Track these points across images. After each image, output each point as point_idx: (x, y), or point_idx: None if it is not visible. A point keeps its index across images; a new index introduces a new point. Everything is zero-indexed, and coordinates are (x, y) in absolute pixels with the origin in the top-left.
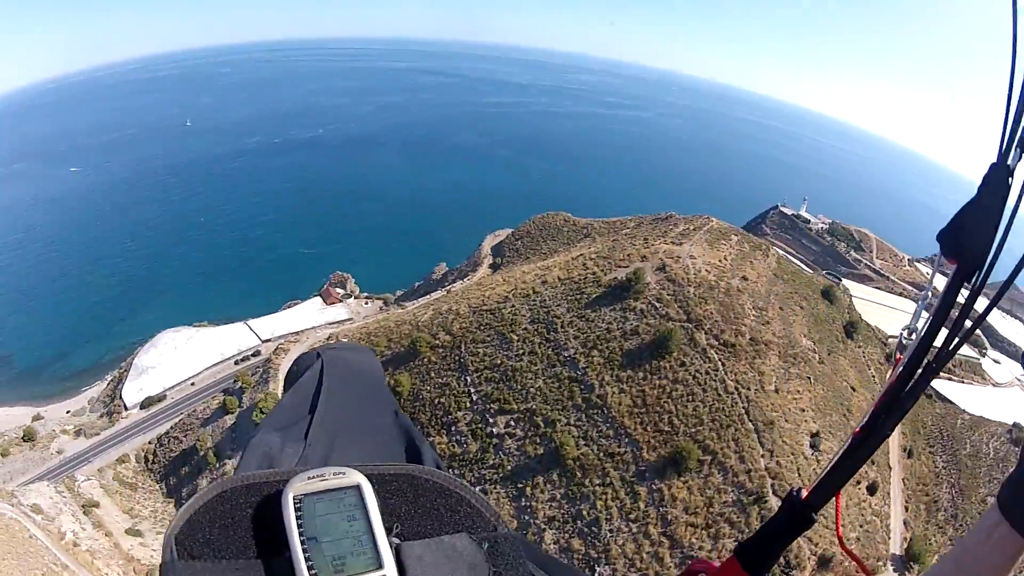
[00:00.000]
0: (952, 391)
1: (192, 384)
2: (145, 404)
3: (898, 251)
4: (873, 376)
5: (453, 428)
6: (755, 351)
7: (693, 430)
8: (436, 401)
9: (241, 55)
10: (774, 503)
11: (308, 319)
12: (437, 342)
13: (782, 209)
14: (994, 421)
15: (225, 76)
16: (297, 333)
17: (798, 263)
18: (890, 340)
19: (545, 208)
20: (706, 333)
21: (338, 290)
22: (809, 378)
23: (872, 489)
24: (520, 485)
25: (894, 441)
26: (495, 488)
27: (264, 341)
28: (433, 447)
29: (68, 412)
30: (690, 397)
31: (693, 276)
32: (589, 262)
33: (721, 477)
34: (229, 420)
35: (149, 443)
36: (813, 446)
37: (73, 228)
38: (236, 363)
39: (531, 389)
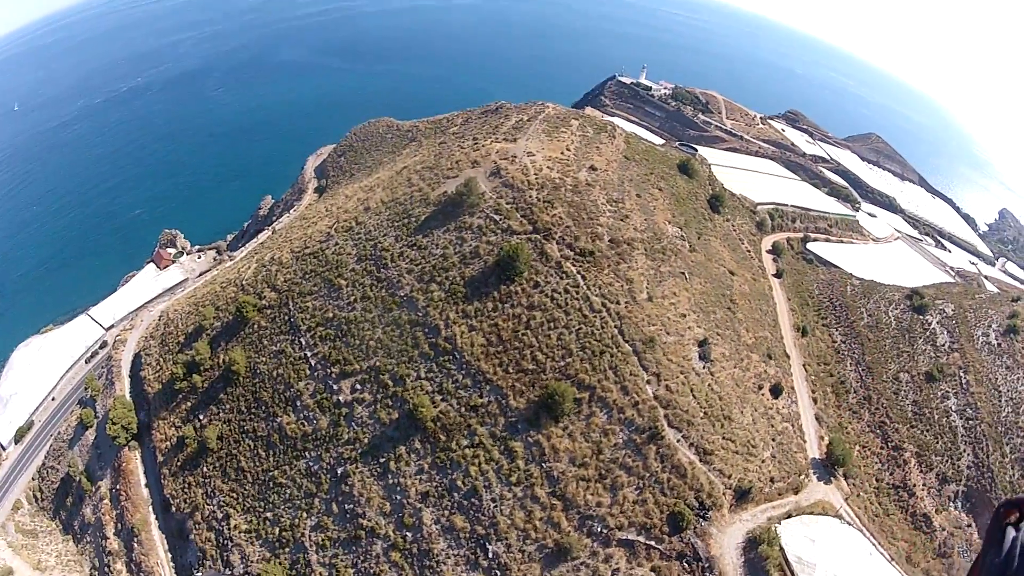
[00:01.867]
0: (833, 253)
1: (53, 399)
2: (18, 437)
3: (749, 110)
4: (748, 251)
5: (298, 403)
6: (618, 254)
7: (562, 363)
8: (275, 374)
9: (76, 16)
10: (672, 437)
11: (145, 291)
12: (264, 302)
13: (620, 79)
14: (887, 285)
15: (55, 44)
16: (137, 310)
17: (648, 139)
18: (758, 207)
19: (368, 116)
20: (558, 243)
21: (169, 250)
22: (684, 273)
23: (776, 391)
24: (382, 460)
25: (784, 320)
26: (357, 469)
27: (107, 328)
28: None
29: None
30: (551, 324)
31: (534, 176)
32: (414, 176)
33: (605, 416)
34: (91, 436)
35: (33, 480)
36: (703, 357)
37: None
38: (87, 361)
39: (370, 342)
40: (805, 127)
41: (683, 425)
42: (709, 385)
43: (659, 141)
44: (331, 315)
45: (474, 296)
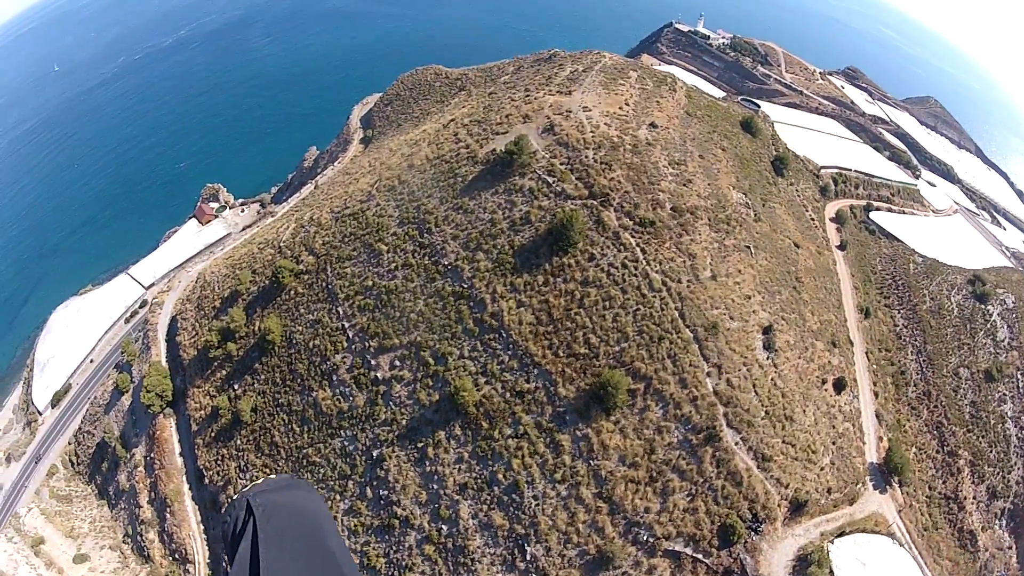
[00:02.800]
0: (896, 225)
1: (91, 361)
2: (55, 401)
3: (808, 64)
4: (812, 219)
5: (334, 377)
6: (680, 225)
7: (617, 349)
8: (311, 345)
9: None
10: (730, 440)
11: (187, 248)
12: (301, 267)
13: (677, 26)
14: (950, 266)
15: (85, 8)
16: (178, 268)
17: (707, 91)
18: (822, 171)
19: (418, 63)
20: (616, 210)
21: (211, 204)
22: (749, 247)
23: (839, 385)
24: (420, 444)
25: (847, 299)
26: (393, 452)
27: (148, 287)
28: None
29: None
30: (607, 303)
31: (590, 134)
32: (461, 130)
33: (660, 411)
34: (126, 401)
35: (69, 444)
36: (768, 346)
37: None
38: (126, 321)
39: (411, 315)
40: (864, 85)
41: (743, 426)
42: (772, 380)
43: (718, 93)
44: (370, 283)
45: (523, 268)
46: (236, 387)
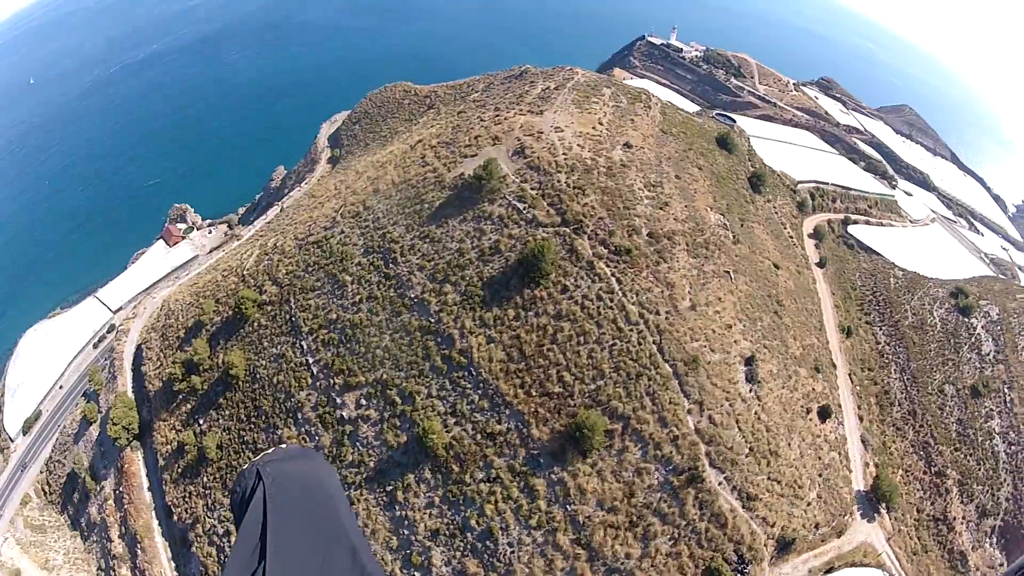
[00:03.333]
0: (874, 238)
1: (61, 387)
2: (26, 428)
3: (781, 76)
4: (791, 237)
5: (299, 415)
6: (657, 252)
7: (593, 387)
8: (275, 380)
9: None
10: (713, 480)
11: (154, 271)
12: (264, 297)
13: (650, 39)
14: (931, 279)
15: (71, 16)
16: (146, 291)
17: (681, 106)
18: (799, 186)
19: (389, 78)
20: (590, 238)
21: (179, 226)
22: (729, 272)
23: (824, 413)
24: (389, 488)
25: (828, 319)
26: (361, 495)
27: (115, 312)
28: None
29: None
30: (582, 338)
31: (563, 156)
32: (428, 152)
33: (640, 452)
34: (95, 432)
35: (41, 473)
36: (750, 378)
37: None
38: (94, 346)
39: (377, 351)
40: (838, 95)
41: (726, 465)
42: (756, 413)
43: (692, 107)
44: (335, 316)
45: (493, 301)
46: (201, 422)
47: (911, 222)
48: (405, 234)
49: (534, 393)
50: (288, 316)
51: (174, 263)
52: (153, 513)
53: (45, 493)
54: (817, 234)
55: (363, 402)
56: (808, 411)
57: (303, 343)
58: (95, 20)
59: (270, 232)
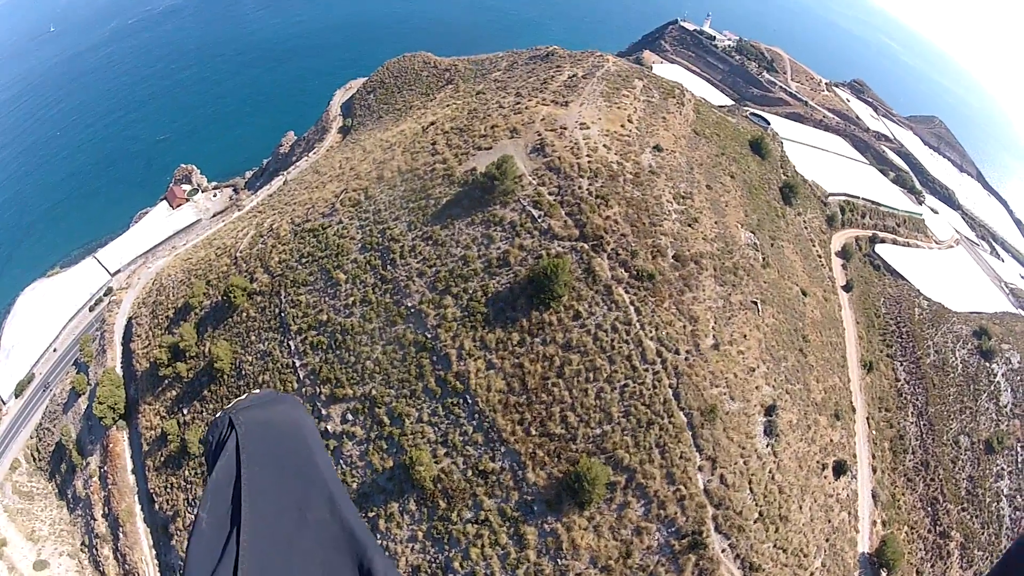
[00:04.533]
0: (900, 260)
1: (55, 351)
2: (18, 391)
3: (814, 74)
4: (818, 255)
5: None
6: (683, 279)
7: (598, 432)
8: (260, 380)
9: None
10: (717, 547)
11: (155, 233)
12: (255, 286)
13: (683, 24)
14: (955, 313)
15: None
16: (146, 254)
17: (711, 97)
18: (829, 199)
19: (413, 46)
20: (610, 258)
21: (184, 187)
22: (756, 303)
23: (839, 469)
24: (371, 514)
25: (851, 352)
26: None
27: (114, 274)
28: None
29: None
30: (591, 375)
31: (587, 158)
32: (440, 139)
33: (642, 509)
34: (83, 404)
35: (31, 438)
36: (768, 431)
37: None
38: (90, 309)
39: (367, 362)
40: (870, 100)
41: (733, 531)
42: (771, 472)
43: (721, 98)
44: (325, 317)
45: (497, 321)
46: (185, 412)
47: (936, 243)
48: (407, 232)
49: (533, 432)
50: (278, 311)
51: (176, 226)
52: (136, 497)
53: (34, 459)
54: (845, 253)
55: (349, 417)
56: (824, 467)
57: (291, 343)
58: None
59: (269, 209)
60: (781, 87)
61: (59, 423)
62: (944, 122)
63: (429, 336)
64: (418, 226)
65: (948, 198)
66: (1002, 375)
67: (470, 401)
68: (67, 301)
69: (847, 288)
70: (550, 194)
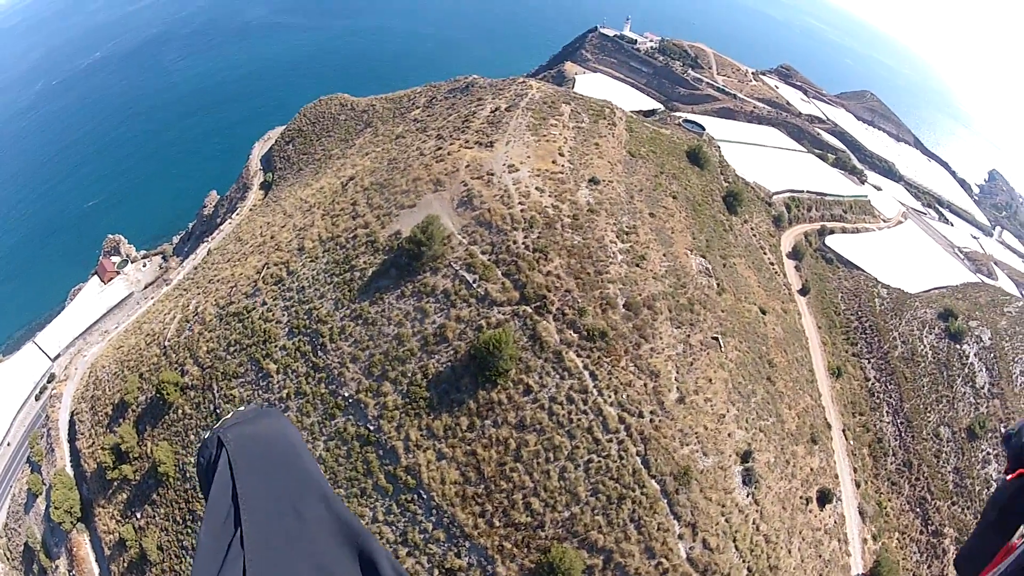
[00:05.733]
0: (852, 248)
1: (8, 444)
2: None
3: (740, 65)
4: (771, 264)
5: None
6: (637, 329)
7: (567, 515)
8: None
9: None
10: None
11: (89, 311)
12: (186, 380)
13: (602, 31)
14: (916, 296)
15: (15, 27)
16: (83, 334)
17: (640, 105)
18: (774, 198)
19: (331, 84)
20: (556, 319)
21: (113, 259)
22: (718, 338)
23: (824, 498)
24: None
25: (818, 361)
26: None
27: (54, 359)
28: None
29: None
30: (551, 454)
31: (519, 207)
32: (360, 198)
33: None
34: (42, 505)
35: (1, 537)
36: (747, 479)
37: None
38: (36, 398)
39: None
40: (799, 83)
41: None
42: (755, 523)
43: (649, 103)
44: None
45: (442, 405)
46: (139, 516)
47: (884, 221)
48: (334, 312)
49: (497, 523)
50: (212, 407)
51: (108, 303)
52: None
53: (7, 558)
54: (796, 253)
55: None
56: (808, 501)
57: None
58: (40, 28)
59: (193, 287)
60: (708, 83)
61: (23, 524)
62: (876, 94)
63: (372, 428)
64: (345, 303)
65: (889, 171)
66: (974, 355)
67: (425, 496)
68: (12, 392)
69: (803, 292)
70: (483, 253)
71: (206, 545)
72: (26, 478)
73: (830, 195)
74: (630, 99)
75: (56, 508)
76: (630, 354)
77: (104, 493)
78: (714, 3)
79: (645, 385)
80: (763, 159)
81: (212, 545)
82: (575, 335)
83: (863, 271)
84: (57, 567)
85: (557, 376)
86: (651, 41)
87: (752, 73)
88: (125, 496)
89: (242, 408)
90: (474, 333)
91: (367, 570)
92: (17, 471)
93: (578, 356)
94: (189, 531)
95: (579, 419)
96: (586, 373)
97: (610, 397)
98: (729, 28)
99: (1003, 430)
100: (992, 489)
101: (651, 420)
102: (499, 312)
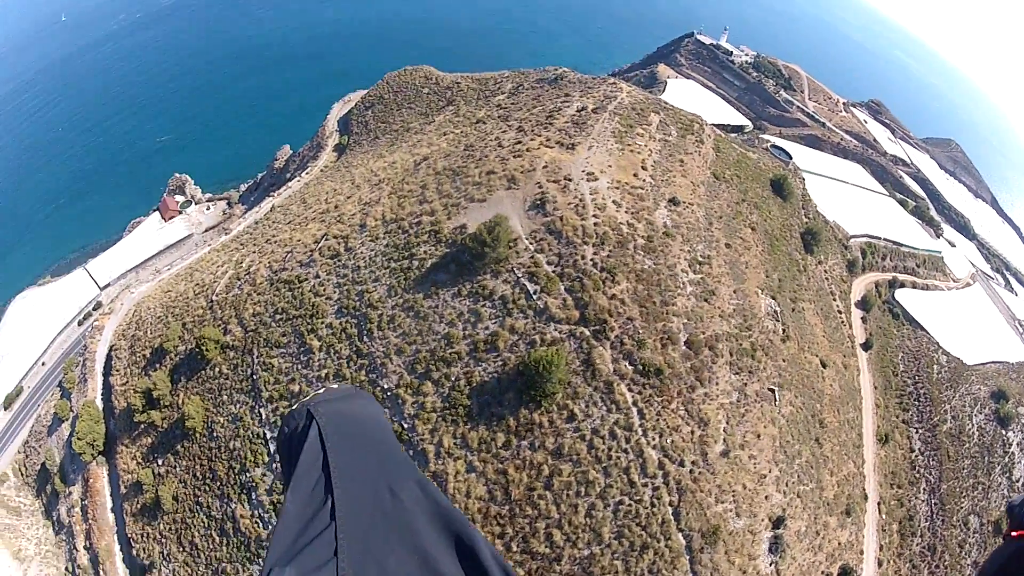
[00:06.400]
0: (919, 306)
1: (43, 364)
2: (7, 404)
3: (832, 93)
4: (839, 311)
5: (253, 495)
6: (694, 370)
7: (586, 554)
8: (231, 446)
9: None
10: None
11: (146, 247)
12: (228, 339)
13: (699, 37)
14: (973, 369)
15: None
16: (135, 269)
17: (729, 120)
18: (851, 241)
19: (412, 58)
20: (614, 347)
21: (177, 198)
22: (774, 391)
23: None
24: None
25: (867, 424)
26: None
27: (103, 288)
28: (486, 545)
29: None
30: (583, 488)
31: (593, 219)
32: (430, 182)
33: None
34: (65, 431)
35: (19, 452)
36: (774, 547)
37: None
38: (79, 323)
39: None
40: (887, 121)
41: None
42: None
43: (738, 118)
44: (297, 388)
45: (481, 417)
46: (160, 462)
47: (954, 281)
48: (386, 298)
49: (515, 548)
50: (250, 371)
51: (166, 241)
52: (115, 537)
53: (22, 472)
54: (865, 303)
55: None
56: None
57: (262, 411)
58: None
59: (251, 242)
60: (799, 107)
61: (44, 445)
62: (960, 145)
63: (406, 427)
64: (399, 292)
65: (964, 227)
66: (1017, 444)
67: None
68: (56, 313)
69: (866, 346)
70: (549, 264)
71: (292, 511)
72: (54, 402)
73: (905, 246)
74: (719, 111)
75: (79, 439)
76: (683, 396)
77: (129, 433)
78: (810, 25)
79: (692, 432)
80: (845, 197)
81: (298, 512)
82: (630, 367)
83: (927, 332)
84: (70, 493)
85: (604, 408)
86: (746, 55)
87: (843, 103)
88: (150, 441)
89: (334, 386)
90: (526, 347)
91: (466, 558)
92: (47, 393)
93: (629, 390)
94: (207, 489)
95: (618, 457)
96: (634, 410)
97: (654, 440)
98: (822, 52)
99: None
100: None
101: (691, 471)
102: (556, 330)
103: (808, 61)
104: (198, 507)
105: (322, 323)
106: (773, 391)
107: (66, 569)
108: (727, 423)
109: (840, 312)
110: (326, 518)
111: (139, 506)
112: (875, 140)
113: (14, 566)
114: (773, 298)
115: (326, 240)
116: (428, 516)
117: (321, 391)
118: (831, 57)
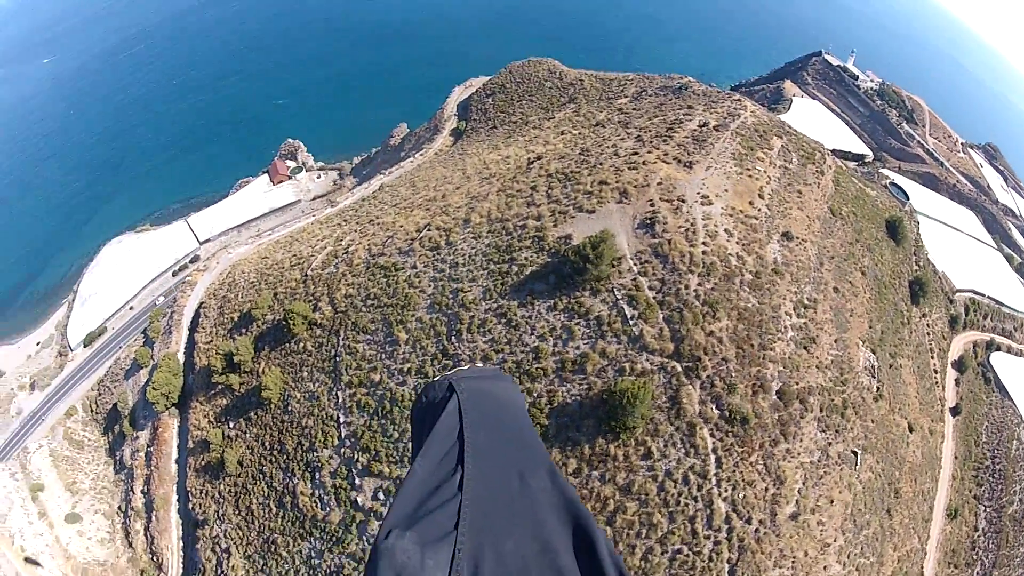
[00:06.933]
0: (1011, 374)
1: (131, 308)
2: (88, 341)
3: (951, 131)
4: (935, 371)
5: (317, 475)
6: (781, 423)
7: None
8: (304, 423)
9: None
10: None
11: (251, 207)
12: (316, 316)
13: (827, 57)
14: None
15: None
16: (238, 227)
17: (850, 147)
18: (956, 296)
19: (536, 49)
20: (703, 388)
21: (288, 163)
22: (856, 454)
23: None
24: None
25: (940, 500)
26: None
27: (203, 243)
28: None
29: (28, 356)
30: (645, 530)
31: (702, 248)
32: (541, 183)
33: None
34: (143, 377)
35: (92, 390)
36: None
37: (47, 126)
38: (173, 274)
39: (409, 443)
40: (1001, 168)
41: None
42: None
43: (859, 146)
44: (378, 377)
45: (556, 439)
46: (231, 425)
47: None
48: (480, 300)
49: None
50: (333, 352)
51: (272, 204)
52: (175, 487)
53: (92, 408)
54: (961, 364)
55: (380, 496)
56: None
57: (339, 394)
58: None
59: (354, 220)
60: (919, 142)
61: (119, 387)
62: None
63: None
64: (494, 296)
65: None
66: None
67: None
68: (152, 261)
69: (955, 411)
70: (651, 289)
71: (419, 475)
72: (136, 347)
73: (1007, 306)
74: (842, 137)
75: (155, 388)
76: (764, 450)
77: (205, 392)
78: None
79: (766, 490)
80: (955, 246)
81: (426, 478)
82: (716, 411)
83: (1013, 404)
84: (137, 437)
85: (682, 450)
86: (871, 81)
87: (961, 143)
88: (224, 402)
89: (480, 365)
90: (615, 374)
91: (583, 552)
92: (129, 337)
93: (711, 436)
94: (273, 460)
95: (686, 504)
96: (712, 457)
97: (726, 492)
98: (943, 86)
99: None
100: None
101: (757, 530)
102: (648, 360)
103: (928, 93)
104: (261, 475)
105: (412, 316)
106: (856, 454)
107: (118, 508)
108: (803, 484)
109: (936, 372)
110: (453, 489)
111: (203, 463)
112: (989, 187)
113: (65, 497)
114: (873, 351)
115: (428, 231)
116: (553, 506)
117: (465, 367)
118: (949, 91)
